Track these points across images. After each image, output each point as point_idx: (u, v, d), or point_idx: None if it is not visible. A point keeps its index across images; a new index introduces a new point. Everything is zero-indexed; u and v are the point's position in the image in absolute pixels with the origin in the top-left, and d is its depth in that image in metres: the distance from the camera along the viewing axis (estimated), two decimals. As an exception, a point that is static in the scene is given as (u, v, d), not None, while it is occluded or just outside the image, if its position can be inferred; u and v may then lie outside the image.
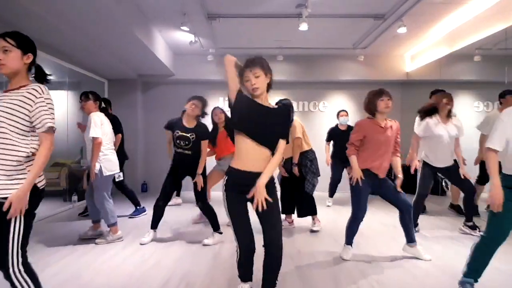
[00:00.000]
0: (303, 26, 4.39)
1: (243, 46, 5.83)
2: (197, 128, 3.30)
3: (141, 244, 3.26)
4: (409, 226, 2.84)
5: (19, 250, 1.57)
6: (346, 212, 3.81)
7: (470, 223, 3.61)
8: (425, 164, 3.59)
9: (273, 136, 1.91)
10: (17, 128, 1.59)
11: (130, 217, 4.45)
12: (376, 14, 4.54)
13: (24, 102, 1.59)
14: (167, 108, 6.73)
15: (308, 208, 3.76)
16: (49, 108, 1.64)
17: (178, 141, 3.26)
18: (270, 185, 1.90)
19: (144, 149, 6.87)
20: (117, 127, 4.33)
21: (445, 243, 3.33)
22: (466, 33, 4.74)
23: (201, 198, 3.32)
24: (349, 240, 2.92)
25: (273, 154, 1.91)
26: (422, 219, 4.25)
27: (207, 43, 5.72)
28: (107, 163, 3.36)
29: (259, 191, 1.79)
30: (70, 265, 2.72)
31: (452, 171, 3.53)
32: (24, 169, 1.60)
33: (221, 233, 3.35)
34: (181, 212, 4.73)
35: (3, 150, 1.56)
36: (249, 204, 1.93)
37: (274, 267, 1.93)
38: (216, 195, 5.47)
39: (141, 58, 5.30)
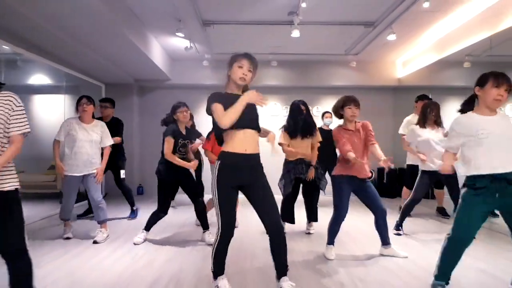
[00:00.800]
0: (295, 33, 4.52)
1: (238, 51, 5.93)
2: (189, 133, 3.48)
3: (134, 244, 3.34)
4: (383, 230, 2.96)
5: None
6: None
7: None
8: (424, 172, 3.65)
9: (256, 119, 2.18)
10: None
11: (128, 219, 4.57)
12: (366, 22, 4.67)
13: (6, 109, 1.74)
14: (163, 113, 6.72)
15: (311, 212, 3.80)
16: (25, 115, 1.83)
17: (180, 149, 3.38)
18: (260, 166, 2.17)
19: (140, 153, 6.96)
20: (119, 131, 4.51)
21: (431, 244, 3.42)
22: (454, 41, 4.88)
23: (197, 196, 3.44)
24: (331, 240, 3.01)
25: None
26: (411, 221, 4.34)
27: (203, 49, 5.84)
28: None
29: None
30: (64, 265, 2.79)
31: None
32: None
33: (209, 232, 3.48)
34: (174, 214, 4.80)
35: None
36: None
37: (282, 249, 2.13)
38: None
39: (137, 63, 5.41)
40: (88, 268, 2.73)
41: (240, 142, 2.10)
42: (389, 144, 6.42)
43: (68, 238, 3.53)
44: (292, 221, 3.70)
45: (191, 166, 3.33)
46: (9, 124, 1.75)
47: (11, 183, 1.74)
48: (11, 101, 1.76)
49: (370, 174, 2.90)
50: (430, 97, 4.72)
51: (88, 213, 4.62)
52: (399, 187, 5.13)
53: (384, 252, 3.03)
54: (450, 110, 4.19)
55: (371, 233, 3.64)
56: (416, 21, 4.63)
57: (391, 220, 3.50)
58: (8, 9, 3.26)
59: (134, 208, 4.70)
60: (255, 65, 2.19)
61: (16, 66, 4.70)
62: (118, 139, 4.38)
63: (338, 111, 2.95)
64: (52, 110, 5.44)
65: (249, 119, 2.12)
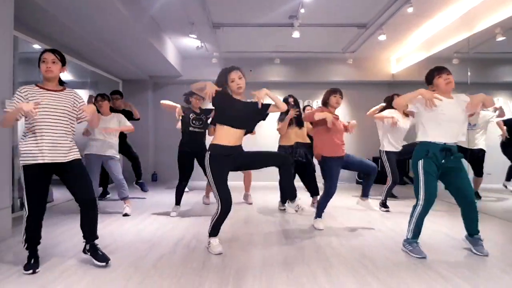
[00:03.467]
0: (295, 34, 5.08)
1: (244, 50, 6.54)
2: (203, 110, 4.18)
3: (171, 216, 3.97)
4: (368, 184, 3.53)
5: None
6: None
7: None
8: (389, 152, 4.35)
9: (249, 122, 2.73)
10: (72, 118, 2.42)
11: (143, 190, 5.16)
12: (359, 24, 5.22)
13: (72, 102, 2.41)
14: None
15: (315, 188, 4.40)
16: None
17: (194, 122, 4.06)
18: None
19: (154, 143, 7.59)
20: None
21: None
22: (439, 40, 5.41)
23: None
24: (319, 214, 3.53)
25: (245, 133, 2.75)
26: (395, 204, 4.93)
27: (212, 48, 6.41)
28: (115, 149, 4.19)
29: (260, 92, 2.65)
30: (101, 230, 3.40)
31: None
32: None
33: None
34: (188, 196, 5.41)
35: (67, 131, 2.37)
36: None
37: (289, 179, 2.84)
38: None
39: (153, 61, 6.00)
40: (124, 231, 3.34)
41: (228, 137, 2.65)
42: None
43: (125, 215, 4.02)
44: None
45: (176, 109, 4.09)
46: (78, 112, 2.41)
47: (77, 154, 2.43)
48: (75, 96, 2.45)
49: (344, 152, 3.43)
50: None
51: (104, 196, 5.19)
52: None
53: (361, 203, 3.63)
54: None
55: (359, 211, 4.24)
56: (404, 23, 5.16)
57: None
58: (40, 11, 3.77)
59: (141, 180, 5.21)
60: (241, 70, 2.76)
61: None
62: (123, 129, 4.93)
63: (324, 100, 3.51)
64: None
65: (241, 122, 2.68)
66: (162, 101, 4.23)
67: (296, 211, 2.87)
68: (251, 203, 4.80)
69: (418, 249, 2.65)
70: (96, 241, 2.47)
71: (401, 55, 6.90)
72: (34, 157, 2.24)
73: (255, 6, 4.65)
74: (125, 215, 4.01)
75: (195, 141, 4.06)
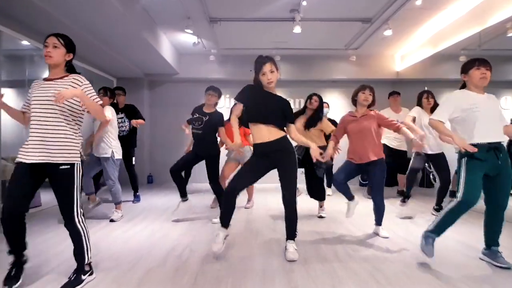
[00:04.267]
0: (297, 29, 4.82)
1: (243, 47, 6.27)
2: (213, 113, 3.80)
3: (180, 203, 3.87)
4: (377, 212, 3.25)
5: (80, 203, 2.09)
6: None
7: (438, 207, 4.11)
8: (418, 154, 4.07)
9: (279, 116, 2.61)
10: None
11: (133, 202, 4.94)
12: (363, 18, 4.96)
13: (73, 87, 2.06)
14: (172, 105, 7.21)
15: (320, 193, 4.04)
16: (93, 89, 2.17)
17: (194, 122, 3.78)
18: (289, 149, 2.60)
19: (150, 144, 7.32)
20: (137, 115, 4.92)
21: (422, 224, 3.75)
22: (447, 36, 5.15)
23: (214, 179, 3.78)
24: (349, 196, 3.33)
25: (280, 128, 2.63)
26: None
27: (209, 44, 6.15)
28: (117, 149, 3.89)
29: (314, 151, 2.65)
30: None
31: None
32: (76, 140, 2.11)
33: None
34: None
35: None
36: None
37: (291, 219, 2.65)
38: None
39: (148, 58, 5.74)
40: (112, 240, 3.09)
41: (260, 134, 2.60)
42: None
43: (112, 220, 3.77)
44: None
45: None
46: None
47: (71, 157, 2.07)
48: (74, 80, 2.08)
49: (376, 157, 3.10)
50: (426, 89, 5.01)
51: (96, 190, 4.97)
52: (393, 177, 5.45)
53: (374, 229, 3.36)
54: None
55: (368, 214, 3.98)
56: (411, 18, 4.91)
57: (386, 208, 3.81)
58: (27, 3, 3.52)
59: (138, 193, 5.07)
60: (273, 62, 2.63)
61: (33, 61, 5.05)
62: (142, 122, 4.84)
63: (353, 97, 3.27)
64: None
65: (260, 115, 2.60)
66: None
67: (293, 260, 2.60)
68: (248, 207, 4.56)
69: (430, 247, 2.44)
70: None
71: (406, 52, 6.64)
72: (20, 155, 2.00)
73: (255, 0, 4.39)
74: (111, 221, 3.76)
75: (199, 143, 3.77)
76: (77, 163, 2.08)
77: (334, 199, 5.06)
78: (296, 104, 7.25)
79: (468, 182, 2.38)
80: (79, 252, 2.11)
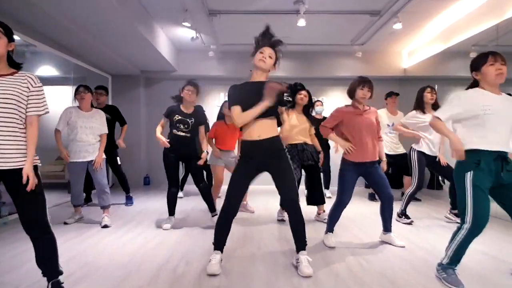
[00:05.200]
0: (301, 22, 4.54)
1: (244, 42, 5.95)
2: (194, 113, 3.50)
3: (164, 229, 3.41)
4: (387, 216, 2.97)
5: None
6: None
7: (456, 211, 3.76)
8: (422, 154, 3.70)
9: (273, 111, 2.32)
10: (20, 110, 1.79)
11: (127, 205, 4.68)
12: (372, 11, 4.67)
13: (23, 88, 1.78)
14: (169, 103, 6.88)
15: (322, 196, 3.81)
16: (43, 95, 1.87)
17: (178, 125, 3.43)
18: (281, 151, 2.31)
19: (146, 144, 7.04)
20: (120, 118, 4.63)
21: (437, 230, 3.47)
22: (460, 30, 4.86)
23: (202, 179, 3.53)
24: (330, 227, 2.99)
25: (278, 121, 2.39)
26: (415, 209, 4.40)
27: (209, 40, 5.87)
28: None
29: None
30: (77, 245, 2.88)
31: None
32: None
33: (216, 215, 3.52)
34: (181, 202, 4.87)
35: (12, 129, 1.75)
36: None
37: (299, 225, 2.32)
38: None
39: (144, 54, 5.45)
40: (101, 249, 2.81)
41: (254, 130, 2.31)
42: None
43: (105, 226, 3.50)
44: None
45: (162, 141, 3.41)
46: (28, 104, 1.79)
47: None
48: (28, 81, 1.79)
49: (377, 158, 2.90)
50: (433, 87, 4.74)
51: (87, 201, 4.71)
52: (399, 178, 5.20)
53: (383, 238, 3.06)
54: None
55: (377, 220, 3.70)
56: (422, 10, 4.62)
57: (396, 208, 3.55)
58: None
59: (130, 195, 4.79)
60: (277, 51, 2.39)
61: (24, 57, 4.78)
62: (123, 136, 4.61)
63: (350, 92, 2.96)
64: (60, 101, 5.53)
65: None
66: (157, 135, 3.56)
67: (296, 266, 2.38)
68: (253, 212, 4.27)
69: (454, 278, 2.13)
70: (61, 277, 1.92)
71: (414, 47, 6.35)
72: None
73: (256, -10, 4.11)
74: (105, 226, 3.49)
75: (181, 146, 3.45)
76: (38, 165, 1.85)
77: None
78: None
79: (476, 202, 2.04)
80: (53, 265, 1.88)
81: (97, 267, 2.41)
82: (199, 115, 3.55)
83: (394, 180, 5.91)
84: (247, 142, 2.34)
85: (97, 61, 5.72)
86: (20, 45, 4.28)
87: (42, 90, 1.85)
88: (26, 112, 1.80)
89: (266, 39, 2.37)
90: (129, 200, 4.75)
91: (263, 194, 5.39)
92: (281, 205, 3.78)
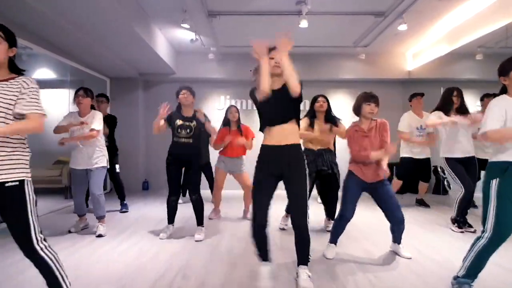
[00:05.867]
0: (303, 23, 4.41)
1: (244, 44, 5.84)
2: (195, 116, 3.35)
3: (160, 239, 3.27)
4: (396, 233, 2.83)
5: (38, 227, 1.68)
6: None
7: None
8: (455, 160, 3.56)
9: (289, 111, 2.22)
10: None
11: (121, 212, 4.55)
12: (376, 12, 4.54)
13: (14, 93, 1.65)
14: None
15: (334, 212, 3.57)
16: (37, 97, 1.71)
17: (179, 130, 3.29)
18: (301, 160, 2.18)
19: (145, 148, 6.90)
20: (114, 127, 4.62)
21: (447, 239, 3.32)
22: (467, 31, 4.72)
23: (197, 190, 3.37)
24: (334, 239, 2.86)
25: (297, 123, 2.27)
26: (420, 215, 4.25)
27: (208, 42, 5.74)
28: (105, 158, 3.57)
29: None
30: (69, 256, 2.74)
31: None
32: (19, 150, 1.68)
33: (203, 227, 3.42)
34: (182, 209, 4.72)
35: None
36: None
37: (304, 242, 2.21)
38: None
39: (142, 56, 5.33)
40: (94, 261, 2.67)
41: (275, 135, 2.21)
42: (398, 139, 6.29)
43: (100, 236, 3.37)
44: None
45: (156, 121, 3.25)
46: (22, 105, 1.65)
47: (19, 173, 1.66)
48: (22, 84, 1.67)
49: (382, 177, 2.69)
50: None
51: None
52: (415, 183, 5.06)
53: (392, 247, 2.95)
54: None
55: (386, 230, 3.56)
56: (427, 10, 4.49)
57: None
58: (15, 1, 3.21)
59: (125, 202, 4.67)
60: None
61: (21, 60, 4.66)
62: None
63: (356, 108, 2.78)
64: (56, 105, 5.41)
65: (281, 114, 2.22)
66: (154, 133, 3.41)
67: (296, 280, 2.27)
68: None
69: None
70: None
71: (419, 49, 6.21)
72: None
73: (257, -10, 3.99)
74: (99, 236, 3.35)
75: (183, 154, 3.30)
76: (27, 180, 1.67)
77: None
78: (301, 105, 6.83)
79: (501, 211, 1.92)
80: (53, 284, 1.72)
81: (88, 281, 2.26)
82: (200, 120, 3.38)
83: (410, 185, 5.71)
84: (266, 147, 2.22)
85: (95, 63, 5.59)
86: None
87: (36, 91, 1.71)
88: (14, 110, 1.64)
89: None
90: (124, 207, 4.62)
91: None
92: (286, 211, 3.66)
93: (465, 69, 6.34)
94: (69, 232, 3.49)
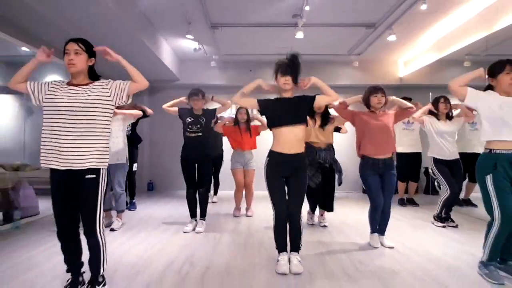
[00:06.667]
0: (299, 35, 4.73)
1: (245, 52, 6.19)
2: (204, 113, 3.78)
3: (184, 232, 3.62)
4: (381, 221, 3.13)
5: (103, 213, 2.03)
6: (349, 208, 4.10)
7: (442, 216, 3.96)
8: (439, 161, 3.89)
9: (299, 118, 2.52)
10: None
11: (130, 210, 4.84)
12: (367, 23, 4.87)
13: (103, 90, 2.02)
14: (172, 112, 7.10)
15: (332, 202, 3.86)
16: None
17: (190, 126, 3.68)
18: (305, 167, 2.54)
19: (150, 151, 7.22)
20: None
21: (433, 234, 3.62)
22: (453, 41, 5.05)
23: (203, 184, 3.74)
24: (373, 229, 3.17)
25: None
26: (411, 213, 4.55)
27: (211, 50, 6.07)
28: (126, 156, 3.89)
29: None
30: (84, 246, 3.03)
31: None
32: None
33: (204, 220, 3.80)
34: (184, 207, 5.02)
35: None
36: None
37: (296, 233, 2.55)
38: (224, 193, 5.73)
39: (148, 64, 5.65)
40: (109, 253, 2.94)
41: (284, 142, 2.52)
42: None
43: (112, 230, 3.65)
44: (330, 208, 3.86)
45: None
46: (119, 88, 2.05)
47: (95, 163, 1.97)
48: (102, 82, 2.04)
49: (391, 153, 3.03)
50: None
51: None
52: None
53: (373, 240, 3.20)
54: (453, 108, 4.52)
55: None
56: (415, 22, 4.82)
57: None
58: (30, 12, 3.53)
59: (134, 200, 4.99)
60: (295, 70, 2.59)
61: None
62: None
63: (365, 101, 3.12)
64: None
65: (291, 118, 2.53)
66: (164, 106, 3.87)
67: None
68: (250, 216, 4.46)
69: (495, 274, 2.31)
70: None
71: (410, 57, 6.54)
72: (47, 161, 1.92)
73: (256, 4, 4.31)
74: (112, 230, 3.65)
75: (194, 147, 3.69)
76: (103, 169, 1.99)
77: (337, 208, 4.93)
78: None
79: (501, 200, 2.24)
80: (95, 263, 2.05)
81: (106, 268, 2.56)
82: (208, 111, 3.82)
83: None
84: (276, 154, 2.52)
85: (103, 70, 5.88)
86: (28, 55, 4.48)
87: (118, 81, 2.07)
88: (117, 99, 2.05)
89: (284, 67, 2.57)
90: (132, 206, 4.92)
91: (264, 200, 5.54)
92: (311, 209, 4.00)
93: (454, 76, 6.40)
94: None
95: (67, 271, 2.09)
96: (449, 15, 4.60)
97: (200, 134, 3.68)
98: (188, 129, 3.69)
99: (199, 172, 3.74)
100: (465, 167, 4.19)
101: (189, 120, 3.69)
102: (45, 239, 3.30)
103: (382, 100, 3.03)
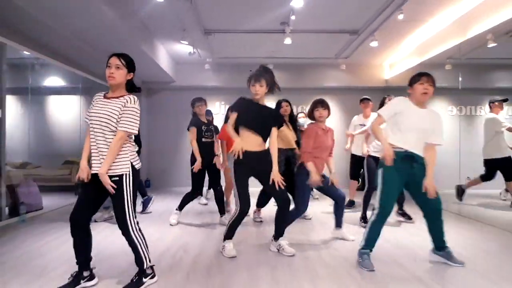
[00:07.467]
0: (287, 40, 5.06)
1: (237, 56, 6.51)
2: (209, 122, 4.23)
3: (170, 225, 3.93)
4: (340, 214, 3.36)
5: (133, 212, 2.16)
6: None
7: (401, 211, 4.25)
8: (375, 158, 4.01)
9: (266, 126, 2.85)
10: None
11: (146, 205, 4.91)
12: (350, 30, 5.20)
13: (118, 106, 2.08)
14: (168, 112, 7.44)
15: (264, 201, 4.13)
16: (135, 116, 2.10)
17: (207, 133, 4.05)
18: (270, 161, 2.84)
19: (147, 150, 7.52)
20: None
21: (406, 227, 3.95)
22: (433, 45, 5.40)
23: (217, 182, 4.06)
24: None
25: (264, 140, 2.88)
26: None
27: (204, 54, 6.38)
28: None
29: (276, 175, 2.78)
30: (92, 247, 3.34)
31: None
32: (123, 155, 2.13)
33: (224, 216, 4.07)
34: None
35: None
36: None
37: (284, 219, 2.96)
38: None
39: (146, 67, 5.95)
40: (110, 242, 3.27)
41: (248, 142, 2.81)
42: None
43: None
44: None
45: (197, 164, 3.88)
46: (120, 120, 2.03)
47: (118, 170, 2.09)
48: (125, 100, 2.07)
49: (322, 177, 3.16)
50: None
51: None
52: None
53: (336, 234, 3.41)
54: (435, 109, 4.85)
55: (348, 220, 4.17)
56: (396, 29, 5.15)
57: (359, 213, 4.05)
58: (35, 21, 3.82)
59: (146, 196, 5.13)
60: (265, 80, 2.79)
61: (34, 69, 5.26)
62: None
63: (310, 113, 3.30)
64: (69, 109, 6.03)
65: (259, 126, 2.85)
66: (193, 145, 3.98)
67: (278, 250, 2.94)
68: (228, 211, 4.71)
69: (367, 262, 2.56)
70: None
71: (394, 60, 6.89)
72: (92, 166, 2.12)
73: (247, 13, 4.63)
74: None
75: (207, 153, 4.01)
76: (125, 174, 2.08)
77: (321, 203, 5.27)
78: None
79: (384, 193, 2.52)
80: (136, 258, 2.24)
81: (109, 254, 2.88)
82: (210, 121, 4.27)
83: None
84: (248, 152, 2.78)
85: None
86: (31, 58, 4.77)
87: (134, 111, 2.07)
88: (118, 127, 2.04)
89: (256, 73, 2.84)
90: (147, 201, 4.93)
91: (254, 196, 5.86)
92: (257, 205, 4.12)
93: (436, 78, 6.92)
94: (95, 221, 3.99)
95: (76, 263, 2.25)
96: (425, 23, 4.94)
97: (213, 139, 4.11)
98: (205, 135, 4.04)
99: (213, 172, 4.05)
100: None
101: (205, 127, 4.05)
102: (50, 231, 3.60)
103: (324, 114, 3.18)
